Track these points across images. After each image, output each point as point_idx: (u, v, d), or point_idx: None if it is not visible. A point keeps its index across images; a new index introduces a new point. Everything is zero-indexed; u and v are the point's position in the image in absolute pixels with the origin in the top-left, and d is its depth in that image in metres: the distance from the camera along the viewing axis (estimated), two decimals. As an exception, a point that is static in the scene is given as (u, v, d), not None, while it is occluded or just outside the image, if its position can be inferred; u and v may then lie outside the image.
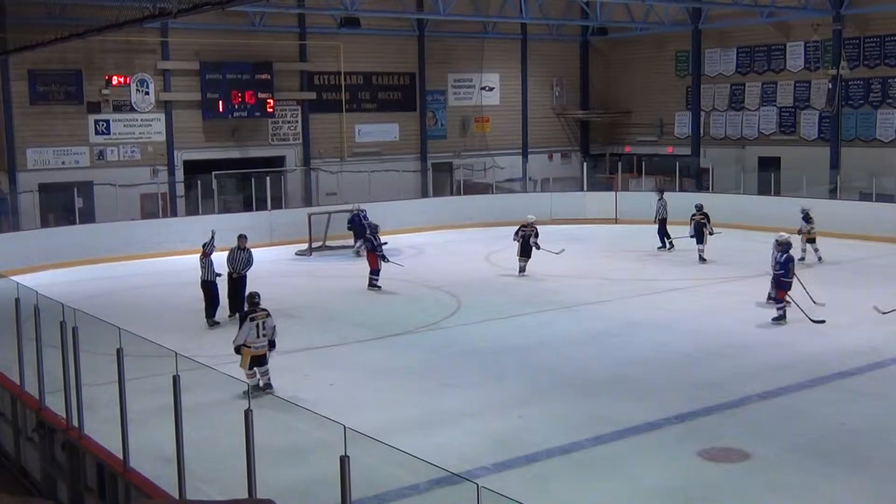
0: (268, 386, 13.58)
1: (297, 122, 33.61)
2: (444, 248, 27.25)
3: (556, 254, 23.24)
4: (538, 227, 23.14)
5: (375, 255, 21.62)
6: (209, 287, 18.46)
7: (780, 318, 17.56)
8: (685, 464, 10.92)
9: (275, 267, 24.97)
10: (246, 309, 13.89)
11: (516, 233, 22.91)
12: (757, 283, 21.44)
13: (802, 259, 23.21)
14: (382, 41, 35.18)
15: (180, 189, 30.95)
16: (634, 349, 16.10)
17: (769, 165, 33.58)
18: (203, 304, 18.44)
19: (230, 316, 18.27)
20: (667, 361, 15.29)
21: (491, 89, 38.14)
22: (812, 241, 24.03)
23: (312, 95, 33.66)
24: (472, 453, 11.17)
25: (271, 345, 13.70)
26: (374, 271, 21.56)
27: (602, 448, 11.38)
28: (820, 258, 23.90)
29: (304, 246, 27.43)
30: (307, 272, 24.58)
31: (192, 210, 29.82)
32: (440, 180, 36.25)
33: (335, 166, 33.81)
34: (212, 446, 10.96)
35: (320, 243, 27.68)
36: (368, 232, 22.48)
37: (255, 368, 13.57)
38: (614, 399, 13.30)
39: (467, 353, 16.01)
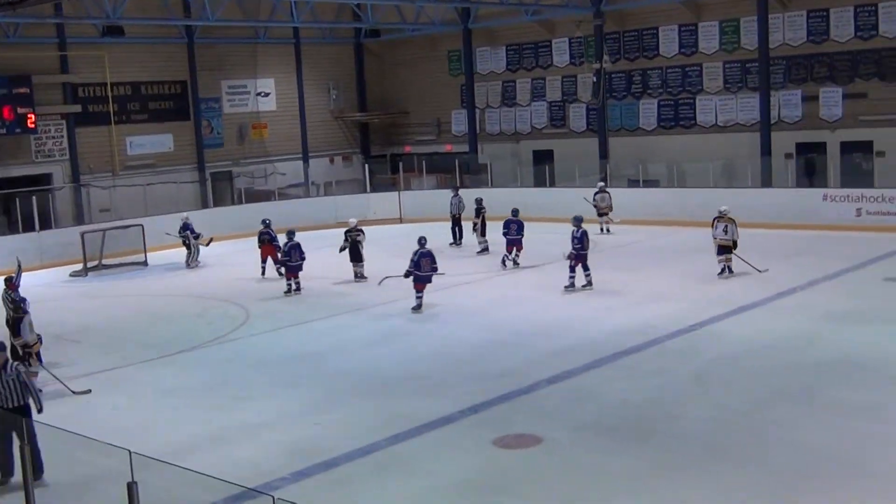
0: None
1: (62, 136, 32.02)
2: (228, 258, 26.69)
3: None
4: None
5: (272, 245, 23.41)
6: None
7: (571, 287, 19.86)
8: (481, 453, 11.17)
9: (48, 290, 23.69)
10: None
11: (345, 239, 22.67)
12: (540, 273, 22.27)
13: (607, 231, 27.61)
14: (150, 49, 34.09)
15: (-66, 215, 28.88)
16: (426, 345, 16.33)
17: (543, 158, 34.91)
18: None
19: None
20: (458, 355, 15.59)
21: (267, 95, 37.70)
22: (604, 214, 27.75)
23: (78, 108, 32.15)
24: (269, 465, 11.01)
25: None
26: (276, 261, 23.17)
27: (400, 446, 11.47)
28: (608, 230, 27.75)
29: (79, 266, 26.17)
30: (84, 293, 23.46)
31: (-51, 236, 27.86)
32: (220, 190, 35.51)
33: (107, 181, 32.46)
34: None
35: (96, 262, 26.49)
36: (265, 226, 23.63)
37: None
38: (409, 397, 13.44)
39: (259, 364, 15.75)
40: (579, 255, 19.85)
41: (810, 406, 12.16)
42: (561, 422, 12.07)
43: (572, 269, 19.96)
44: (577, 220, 20.16)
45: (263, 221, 24.00)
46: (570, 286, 19.93)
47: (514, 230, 22.93)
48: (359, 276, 22.46)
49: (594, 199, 27.84)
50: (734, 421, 11.78)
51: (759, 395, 12.70)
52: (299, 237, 21.91)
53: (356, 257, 22.54)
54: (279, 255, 22.45)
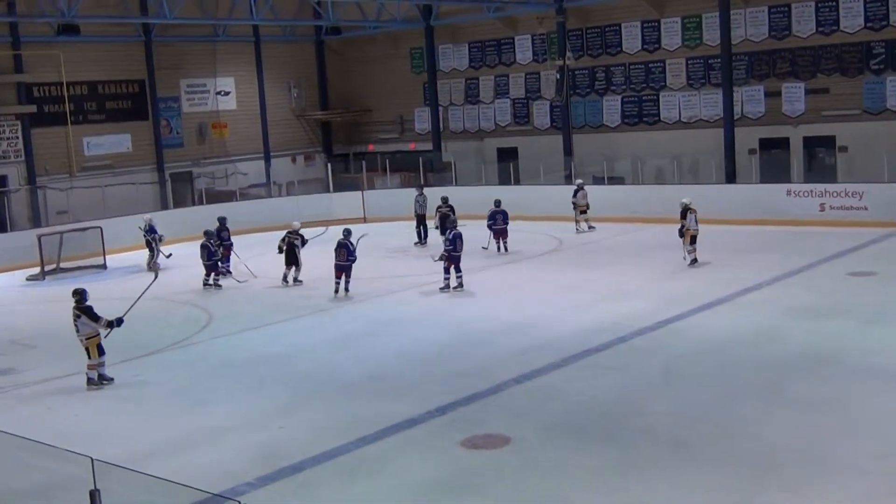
0: (90, 381, 14.84)
1: (17, 138, 31.63)
2: (190, 260, 26.49)
3: (322, 234, 23.55)
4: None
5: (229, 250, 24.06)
6: None
7: (446, 288, 20.33)
8: (449, 454, 11.20)
9: (4, 294, 23.49)
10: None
11: (282, 239, 22.58)
12: (504, 271, 22.38)
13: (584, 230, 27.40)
14: (107, 48, 33.77)
15: None
16: (390, 346, 16.32)
17: (507, 156, 35.02)
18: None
19: None
20: (423, 355, 15.62)
21: (227, 94, 37.50)
22: (584, 212, 27.67)
23: (33, 109, 31.76)
24: (234, 470, 10.96)
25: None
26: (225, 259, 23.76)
27: (367, 449, 11.47)
28: (591, 227, 27.59)
29: (36, 270, 25.88)
30: (42, 298, 23.22)
31: None
32: (180, 191, 35.27)
33: (64, 183, 32.12)
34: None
35: (54, 266, 26.21)
36: (221, 224, 24.07)
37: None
38: (375, 398, 13.44)
39: (222, 367, 15.68)
40: (452, 256, 20.33)
41: (775, 401, 12.30)
42: (529, 421, 12.12)
43: (446, 271, 20.38)
44: (452, 223, 21.08)
45: (219, 219, 24.26)
46: (445, 287, 20.37)
47: (500, 220, 24.66)
48: (287, 281, 22.28)
49: (575, 197, 27.75)
50: (700, 417, 11.91)
51: (724, 390, 12.84)
52: (261, 237, 21.90)
53: (291, 261, 22.32)
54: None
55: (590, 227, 27.59)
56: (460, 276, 20.44)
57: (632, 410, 12.31)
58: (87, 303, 15.04)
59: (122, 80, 34.41)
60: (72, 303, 15.07)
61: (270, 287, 22.26)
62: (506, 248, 24.85)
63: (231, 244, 24.07)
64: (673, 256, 21.60)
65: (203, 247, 22.77)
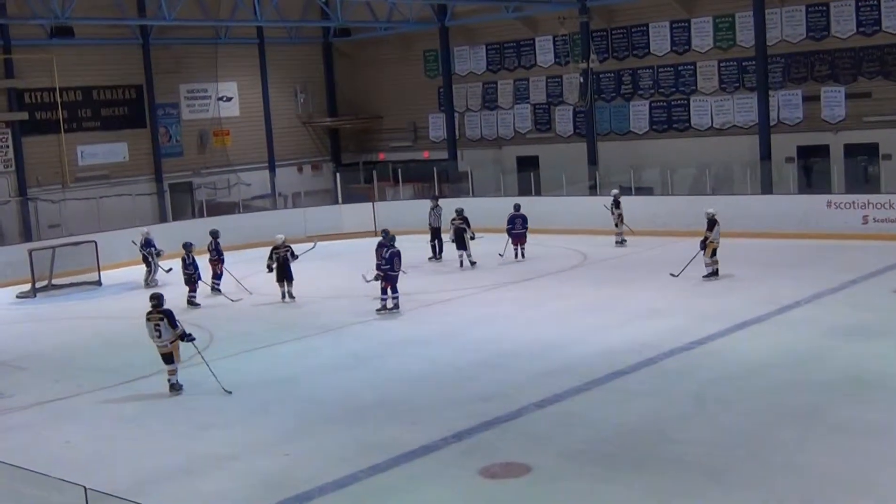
0: (174, 387, 15.55)
1: (7, 146, 31.85)
2: (189, 276, 26.62)
3: (311, 249, 24.05)
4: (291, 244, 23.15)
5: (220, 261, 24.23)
6: None
7: (383, 309, 20.34)
8: (467, 484, 11.18)
9: (-7, 313, 23.58)
10: None
11: (270, 257, 22.70)
12: (525, 289, 22.35)
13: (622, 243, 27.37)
14: (102, 51, 34.01)
15: None
16: (403, 368, 16.33)
17: (528, 165, 35.01)
18: None
19: None
20: (438, 378, 15.61)
21: (229, 99, 37.68)
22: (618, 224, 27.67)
23: (24, 116, 31.99)
24: (238, 498, 11.01)
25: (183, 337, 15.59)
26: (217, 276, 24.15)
27: (379, 477, 11.47)
28: (624, 240, 27.51)
29: (27, 287, 26.02)
30: (32, 316, 23.35)
31: None
32: (180, 202, 35.39)
33: (57, 194, 32.29)
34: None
35: (45, 282, 26.35)
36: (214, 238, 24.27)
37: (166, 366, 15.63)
38: (387, 424, 13.44)
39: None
40: (388, 276, 20.31)
41: (816, 427, 12.26)
42: (551, 449, 12.09)
43: (384, 291, 20.41)
44: (391, 240, 20.97)
45: (212, 233, 24.45)
46: (382, 308, 20.41)
47: (519, 224, 25.79)
48: (286, 297, 22.56)
49: (619, 207, 27.59)
50: (735, 444, 11.86)
51: (761, 416, 12.79)
52: (265, 252, 22.03)
53: (285, 276, 22.53)
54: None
55: (623, 240, 27.53)
56: (396, 297, 20.45)
57: (662, 437, 12.27)
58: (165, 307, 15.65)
59: (119, 85, 34.61)
60: (147, 307, 15.64)
61: (273, 305, 22.33)
62: (523, 255, 25.72)
63: (223, 259, 24.11)
64: (704, 272, 21.54)
65: (181, 259, 23.08)
